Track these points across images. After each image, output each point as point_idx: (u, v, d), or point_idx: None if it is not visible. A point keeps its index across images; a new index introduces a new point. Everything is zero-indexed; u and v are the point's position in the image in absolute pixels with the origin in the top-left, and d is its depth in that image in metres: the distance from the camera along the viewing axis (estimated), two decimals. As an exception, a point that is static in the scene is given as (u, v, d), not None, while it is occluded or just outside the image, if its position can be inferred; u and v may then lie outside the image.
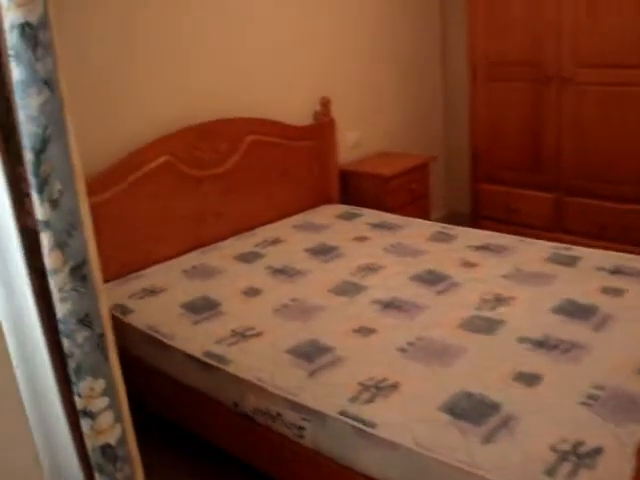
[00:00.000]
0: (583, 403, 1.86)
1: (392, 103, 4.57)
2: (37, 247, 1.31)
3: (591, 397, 1.88)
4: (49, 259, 1.27)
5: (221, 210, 3.40)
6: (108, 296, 2.76)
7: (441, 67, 4.93)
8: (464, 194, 4.76)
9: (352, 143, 4.27)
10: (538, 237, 3.37)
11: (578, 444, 1.70)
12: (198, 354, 2.37)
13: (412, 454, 1.79)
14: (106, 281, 2.87)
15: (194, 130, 3.25)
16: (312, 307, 2.59)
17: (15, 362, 1.35)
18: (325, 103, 3.90)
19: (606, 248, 3.12)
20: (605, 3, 3.57)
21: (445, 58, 4.91)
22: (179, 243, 3.22)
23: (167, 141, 3.14)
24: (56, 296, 1.29)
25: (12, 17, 1.15)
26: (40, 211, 1.25)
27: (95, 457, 1.39)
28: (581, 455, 1.67)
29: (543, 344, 2.18)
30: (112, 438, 1.39)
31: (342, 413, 1.95)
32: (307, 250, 3.18)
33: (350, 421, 1.92)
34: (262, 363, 2.25)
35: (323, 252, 3.15)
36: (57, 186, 1.23)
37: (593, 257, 2.85)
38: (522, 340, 2.22)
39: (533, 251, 2.97)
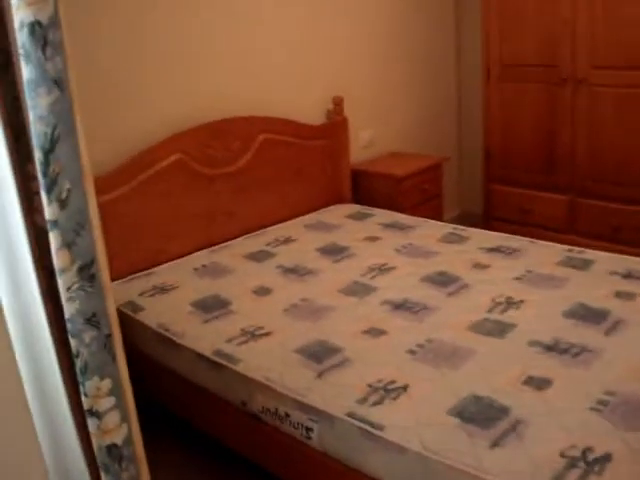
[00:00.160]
0: (593, 408, 1.85)
1: (405, 103, 4.56)
2: (47, 246, 1.31)
3: (601, 402, 1.86)
4: (57, 258, 1.27)
5: (233, 209, 3.39)
6: (119, 293, 2.81)
7: (455, 67, 4.91)
8: (477, 195, 4.74)
9: (365, 142, 4.26)
10: (551, 239, 3.35)
11: (587, 450, 1.69)
12: (208, 353, 2.37)
13: (419, 458, 1.77)
14: (117, 278, 2.92)
15: (206, 128, 3.25)
16: (322, 307, 2.59)
17: (23, 361, 1.35)
18: (338, 102, 3.89)
19: (620, 251, 3.10)
20: (621, 4, 3.53)
21: (459, 58, 4.89)
22: (190, 241, 3.23)
23: (179, 139, 3.14)
24: (64, 296, 1.29)
25: (22, 15, 1.15)
26: (48, 210, 1.25)
27: (101, 457, 1.38)
28: (590, 461, 1.65)
29: (554, 348, 2.17)
30: (118, 438, 1.39)
31: (350, 415, 1.94)
32: (318, 250, 3.18)
33: (358, 423, 1.91)
34: (271, 363, 2.24)
35: (334, 252, 3.14)
36: (66, 185, 1.23)
37: (606, 261, 2.82)
38: (532, 343, 2.20)
39: (545, 254, 2.95)
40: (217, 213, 3.33)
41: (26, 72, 1.19)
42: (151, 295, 2.79)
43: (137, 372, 2.70)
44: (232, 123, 3.36)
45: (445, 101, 4.90)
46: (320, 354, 2.25)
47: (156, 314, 2.65)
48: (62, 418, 1.41)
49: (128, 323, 2.69)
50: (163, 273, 2.99)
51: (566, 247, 3.03)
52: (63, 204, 1.23)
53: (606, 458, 1.66)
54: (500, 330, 2.31)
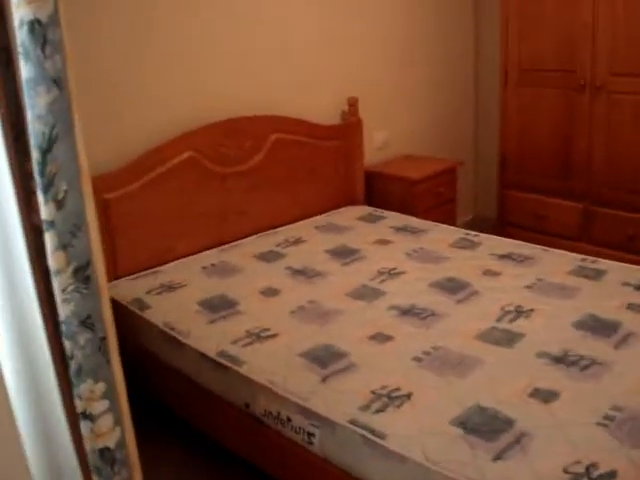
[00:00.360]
0: (599, 423, 1.81)
1: (421, 105, 4.52)
2: (44, 246, 1.30)
3: (607, 417, 1.83)
4: (52, 259, 1.26)
5: (244, 208, 3.38)
6: (126, 290, 2.81)
7: (473, 71, 4.86)
8: (491, 199, 4.70)
9: (379, 143, 4.23)
10: (565, 246, 3.31)
11: (591, 466, 1.65)
12: (212, 354, 2.35)
13: (420, 468, 1.75)
14: (125, 276, 2.92)
15: (219, 127, 3.24)
16: (329, 310, 2.57)
17: (17, 363, 1.34)
18: (353, 103, 3.87)
19: (633, 261, 3.05)
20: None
21: (477, 62, 4.85)
22: (200, 240, 3.21)
23: (191, 137, 3.13)
24: (59, 297, 1.28)
25: (22, 13, 1.13)
26: (45, 211, 1.23)
27: (93, 460, 1.37)
28: (594, 478, 1.61)
29: (562, 360, 2.13)
30: (111, 441, 1.38)
31: (352, 422, 1.92)
32: (328, 252, 3.15)
33: (360, 430, 1.89)
34: (275, 366, 2.23)
35: (344, 254, 3.12)
36: (62, 186, 1.22)
37: (619, 271, 2.77)
38: (541, 355, 2.17)
39: (557, 262, 2.91)
40: (228, 212, 3.32)
41: (25, 71, 1.17)
42: (158, 293, 2.78)
43: (142, 370, 2.73)
44: (245, 122, 3.35)
45: (462, 104, 4.86)
46: (325, 358, 2.22)
47: (162, 313, 2.63)
48: (56, 420, 1.40)
49: (134, 321, 2.69)
50: (171, 271, 2.98)
51: (579, 256, 2.98)
52: (59, 205, 1.22)
53: (611, 475, 1.62)
54: (508, 340, 2.28)
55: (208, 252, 3.20)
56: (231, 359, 2.30)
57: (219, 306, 2.65)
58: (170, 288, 2.82)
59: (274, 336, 2.40)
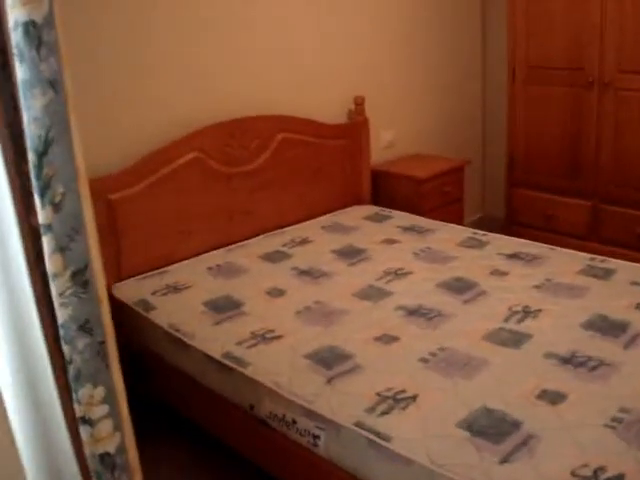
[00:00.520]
0: (607, 425, 1.78)
1: (428, 104, 4.49)
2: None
3: (615, 419, 1.80)
4: (50, 263, 1.25)
5: (250, 208, 3.36)
6: (132, 291, 2.80)
7: (480, 69, 4.83)
8: (499, 198, 4.67)
9: (386, 142, 4.21)
10: (574, 245, 3.28)
11: (599, 470, 1.63)
12: (217, 355, 2.34)
13: (426, 470, 1.73)
14: (130, 276, 2.91)
15: (225, 126, 3.22)
16: (335, 311, 2.55)
17: (16, 366, 1.33)
18: (359, 102, 3.84)
19: (642, 260, 3.02)
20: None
21: (485, 60, 4.81)
22: (206, 240, 3.20)
23: (196, 137, 3.11)
24: (57, 301, 1.27)
25: (17, 15, 1.12)
26: (42, 214, 1.22)
27: (94, 465, 1.36)
28: (602, 482, 1.60)
29: (570, 361, 2.10)
30: (111, 446, 1.37)
31: (357, 424, 1.91)
32: (334, 252, 3.13)
33: (365, 433, 1.87)
34: (280, 367, 2.21)
35: (350, 254, 3.10)
36: (59, 189, 1.21)
37: (628, 271, 2.74)
38: (548, 356, 2.14)
39: (566, 262, 2.88)
40: (234, 212, 3.30)
41: (20, 72, 1.16)
42: (163, 294, 2.77)
43: (146, 371, 2.72)
44: (251, 122, 3.33)
45: (469, 103, 4.82)
46: (330, 360, 2.21)
47: (167, 314, 2.62)
48: (56, 425, 1.39)
49: (139, 322, 2.68)
50: (177, 272, 2.97)
51: (588, 255, 2.95)
52: (56, 208, 1.20)
53: (619, 478, 1.60)
54: (516, 340, 2.26)
55: (214, 252, 3.18)
56: (236, 361, 2.29)
57: (224, 307, 2.63)
58: (175, 289, 2.81)
59: (279, 337, 2.39)
